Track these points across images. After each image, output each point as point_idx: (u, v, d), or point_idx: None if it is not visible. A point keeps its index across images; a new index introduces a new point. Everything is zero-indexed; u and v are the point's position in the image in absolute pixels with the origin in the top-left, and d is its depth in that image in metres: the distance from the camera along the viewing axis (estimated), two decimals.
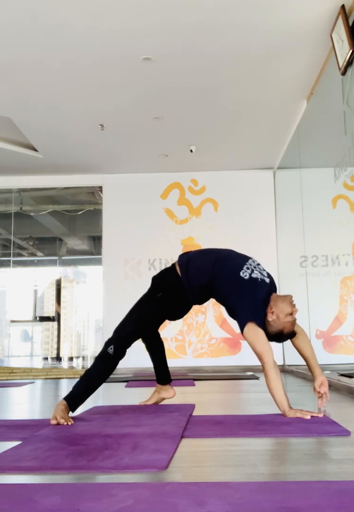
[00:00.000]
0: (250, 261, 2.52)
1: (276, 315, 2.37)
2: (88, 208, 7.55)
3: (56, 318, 8.35)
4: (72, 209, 7.71)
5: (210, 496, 1.18)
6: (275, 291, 2.51)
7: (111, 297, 6.26)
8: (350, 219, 4.78)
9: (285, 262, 6.12)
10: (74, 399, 2.44)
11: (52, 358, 8.36)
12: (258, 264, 2.54)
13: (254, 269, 2.47)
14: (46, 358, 8.58)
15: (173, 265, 2.68)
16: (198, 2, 3.17)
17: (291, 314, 2.36)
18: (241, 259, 2.55)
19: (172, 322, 2.89)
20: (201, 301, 2.67)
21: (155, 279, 2.70)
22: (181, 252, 2.80)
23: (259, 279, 2.44)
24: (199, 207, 6.48)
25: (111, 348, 2.50)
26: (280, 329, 2.39)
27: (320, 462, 1.52)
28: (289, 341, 2.55)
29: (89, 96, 4.45)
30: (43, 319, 8.88)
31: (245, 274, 2.42)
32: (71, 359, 7.81)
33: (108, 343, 2.53)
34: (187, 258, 2.63)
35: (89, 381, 2.50)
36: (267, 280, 2.49)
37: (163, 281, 2.65)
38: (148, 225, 6.43)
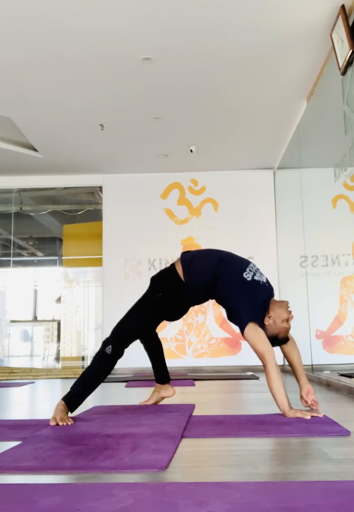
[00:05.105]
0: (251, 264, 2.54)
1: (273, 320, 2.40)
2: (88, 208, 7.55)
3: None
4: (72, 209, 7.71)
5: (210, 496, 1.18)
6: (273, 297, 2.53)
7: (111, 297, 6.26)
8: (350, 219, 4.77)
9: (285, 262, 6.12)
10: (72, 399, 2.43)
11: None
12: (258, 269, 2.55)
13: (255, 272, 2.50)
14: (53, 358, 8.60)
15: (172, 265, 2.66)
16: (198, 2, 3.17)
17: (287, 320, 2.41)
18: (243, 261, 2.56)
19: (172, 322, 2.89)
20: (199, 302, 2.67)
21: (154, 279, 2.68)
22: (180, 252, 2.78)
23: (261, 282, 2.47)
24: (199, 207, 6.48)
25: (109, 348, 2.49)
26: (275, 334, 2.42)
27: (320, 462, 1.52)
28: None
29: (90, 96, 4.45)
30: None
31: (248, 275, 2.44)
32: (71, 359, 7.80)
33: (106, 343, 2.52)
34: (190, 257, 2.63)
35: (88, 381, 2.50)
36: (267, 285, 2.51)
37: (163, 281, 2.64)
38: (148, 225, 6.43)
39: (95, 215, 7.20)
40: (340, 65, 3.31)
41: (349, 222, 4.74)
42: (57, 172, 6.47)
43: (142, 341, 2.86)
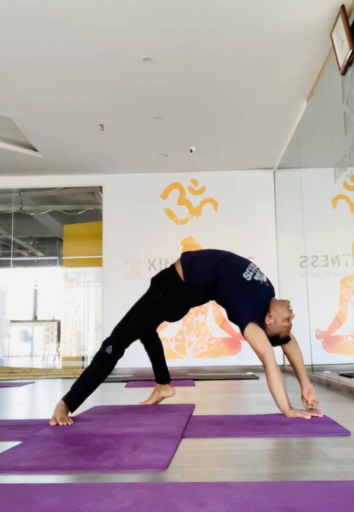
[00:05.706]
0: (251, 264, 2.54)
1: (274, 319, 2.40)
2: (88, 208, 7.55)
3: None
4: (72, 209, 7.71)
5: (210, 496, 1.18)
6: (274, 297, 2.53)
7: (111, 297, 6.26)
8: (350, 219, 4.77)
9: (285, 262, 6.12)
10: (73, 399, 2.43)
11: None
12: (258, 269, 2.55)
13: (255, 272, 2.49)
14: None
15: (172, 265, 2.67)
16: (198, 2, 3.17)
17: (288, 319, 2.40)
18: (243, 261, 2.56)
19: (172, 322, 2.89)
20: (199, 302, 2.67)
21: (154, 280, 2.69)
22: (180, 252, 2.79)
23: (261, 282, 2.47)
24: (199, 207, 6.48)
25: (109, 348, 2.49)
26: (276, 333, 2.41)
27: (320, 462, 1.52)
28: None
29: (90, 96, 4.45)
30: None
31: (247, 275, 2.44)
32: (71, 359, 7.81)
33: (106, 343, 2.52)
34: (190, 257, 2.63)
35: (88, 381, 2.50)
36: (267, 285, 2.51)
37: (163, 281, 2.64)
38: (148, 225, 6.43)
39: (95, 215, 7.20)
40: (340, 65, 3.31)
41: (349, 222, 4.74)
42: (57, 172, 6.47)
43: (143, 341, 2.86)
